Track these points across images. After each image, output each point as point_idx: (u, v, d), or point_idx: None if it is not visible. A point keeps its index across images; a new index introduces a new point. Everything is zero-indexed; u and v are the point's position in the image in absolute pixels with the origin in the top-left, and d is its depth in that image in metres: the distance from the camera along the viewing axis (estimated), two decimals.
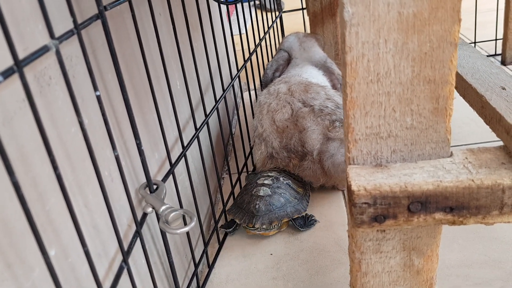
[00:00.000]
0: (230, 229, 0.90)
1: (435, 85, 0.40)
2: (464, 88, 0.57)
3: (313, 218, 0.90)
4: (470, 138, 1.09)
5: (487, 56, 1.52)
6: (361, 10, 0.37)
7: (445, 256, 0.76)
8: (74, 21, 0.39)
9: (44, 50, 0.35)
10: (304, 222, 0.89)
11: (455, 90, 0.42)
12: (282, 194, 0.89)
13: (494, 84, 0.51)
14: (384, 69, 0.39)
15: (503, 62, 1.45)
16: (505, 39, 1.41)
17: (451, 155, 0.43)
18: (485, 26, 1.73)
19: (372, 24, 0.38)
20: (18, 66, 0.32)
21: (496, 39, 1.51)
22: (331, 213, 0.93)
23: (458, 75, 0.63)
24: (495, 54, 1.51)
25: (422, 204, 0.41)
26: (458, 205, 0.41)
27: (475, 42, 1.52)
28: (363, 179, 0.41)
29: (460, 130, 1.13)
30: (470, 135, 1.10)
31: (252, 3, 2.60)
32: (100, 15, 0.45)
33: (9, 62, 0.33)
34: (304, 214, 0.90)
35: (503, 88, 0.51)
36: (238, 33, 1.19)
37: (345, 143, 0.44)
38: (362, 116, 0.42)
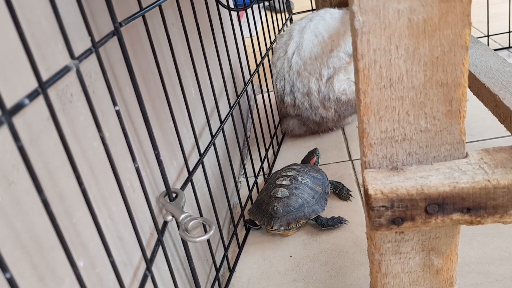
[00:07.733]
0: (257, 227, 0.93)
1: (448, 88, 0.40)
2: (478, 88, 0.57)
3: (338, 217, 0.90)
4: (487, 133, 1.08)
5: (501, 49, 1.50)
6: (371, 18, 0.38)
7: (465, 253, 0.76)
8: (92, 40, 0.41)
9: (65, 70, 0.37)
10: (327, 221, 0.89)
11: (468, 89, 0.42)
12: (300, 194, 0.90)
13: (507, 83, 0.51)
14: (397, 74, 0.40)
15: None
16: None
17: (467, 155, 0.44)
18: (498, 18, 1.71)
19: (383, 31, 0.38)
20: (42, 88, 0.33)
21: (510, 31, 1.49)
22: (349, 213, 0.93)
23: (471, 74, 0.63)
24: (509, 47, 1.49)
25: (439, 205, 0.41)
26: (475, 206, 0.41)
27: (488, 36, 1.51)
28: (380, 183, 0.42)
29: (476, 125, 1.12)
30: (487, 130, 1.09)
31: (261, 4, 2.60)
32: (116, 32, 0.46)
33: (32, 81, 0.34)
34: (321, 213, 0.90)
35: None
36: (249, 35, 1.20)
37: (360, 147, 0.45)
38: (377, 121, 0.42)
